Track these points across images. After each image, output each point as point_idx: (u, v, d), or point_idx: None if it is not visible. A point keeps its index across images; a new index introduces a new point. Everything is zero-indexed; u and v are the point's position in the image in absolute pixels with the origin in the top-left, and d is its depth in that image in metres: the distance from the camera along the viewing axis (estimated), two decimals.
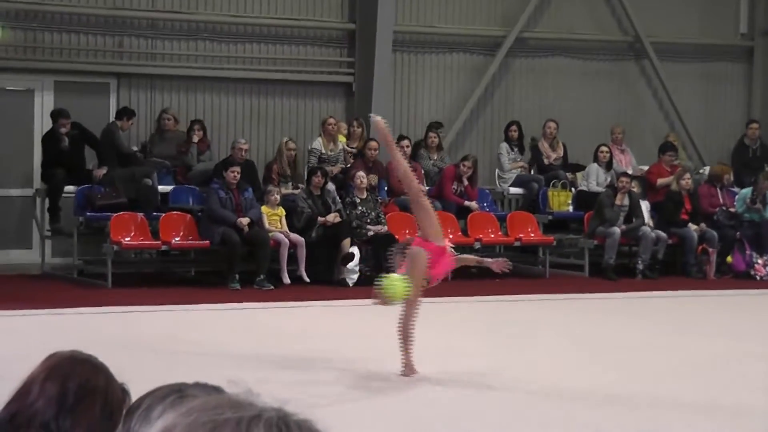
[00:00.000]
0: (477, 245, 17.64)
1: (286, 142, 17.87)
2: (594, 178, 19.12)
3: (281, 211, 16.77)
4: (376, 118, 11.11)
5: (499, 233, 18.01)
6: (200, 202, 17.01)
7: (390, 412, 9.18)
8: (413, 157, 18.41)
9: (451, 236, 17.48)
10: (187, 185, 17.60)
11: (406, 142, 18.37)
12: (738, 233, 18.52)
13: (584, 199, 18.90)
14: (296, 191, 17.31)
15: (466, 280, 17.14)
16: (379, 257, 16.57)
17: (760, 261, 18.24)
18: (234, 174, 16.56)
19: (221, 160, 17.49)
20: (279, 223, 16.68)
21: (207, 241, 16.29)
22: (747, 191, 19.06)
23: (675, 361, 11.32)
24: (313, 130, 18.92)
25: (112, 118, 17.69)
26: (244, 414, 1.49)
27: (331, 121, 18.38)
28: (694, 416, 9.04)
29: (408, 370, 10.26)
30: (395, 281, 10.09)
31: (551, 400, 9.52)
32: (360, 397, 9.63)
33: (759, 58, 22.13)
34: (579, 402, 9.45)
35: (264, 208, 16.67)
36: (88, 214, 16.65)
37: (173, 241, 16.34)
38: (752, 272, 18.19)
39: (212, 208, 16.34)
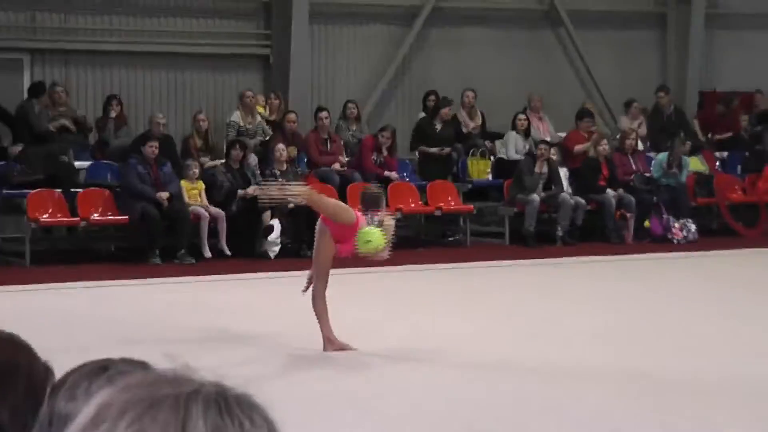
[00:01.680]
0: (398, 215, 17.65)
1: (197, 114, 17.83)
2: (512, 147, 19.23)
3: (201, 185, 16.70)
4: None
5: (420, 203, 18.07)
6: (118, 177, 16.88)
7: (321, 387, 9.19)
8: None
9: None
10: (104, 161, 17.46)
11: (324, 114, 18.36)
12: (655, 198, 18.76)
13: (503, 168, 19.02)
14: (215, 165, 17.25)
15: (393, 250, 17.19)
16: (300, 229, 16.59)
17: (676, 225, 18.49)
18: (152, 149, 16.45)
19: (139, 135, 17.36)
20: (199, 197, 16.62)
21: (126, 217, 16.18)
22: (663, 156, 19.31)
23: (599, 328, 11.44)
24: (231, 104, 18.83)
25: (26, 94, 17.48)
26: (183, 390, 1.48)
27: (249, 94, 18.32)
28: (615, 383, 9.15)
29: (329, 345, 10.08)
30: (372, 233, 10.03)
31: (477, 371, 9.59)
32: (286, 372, 9.63)
33: (672, 25, 22.35)
34: (501, 372, 9.53)
35: (183, 183, 16.58)
36: (5, 191, 16.46)
37: (92, 218, 16.22)
38: (669, 236, 18.44)
39: (131, 183, 16.23)
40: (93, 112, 18.17)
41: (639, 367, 9.50)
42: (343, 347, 10.06)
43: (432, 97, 19.63)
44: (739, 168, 20.76)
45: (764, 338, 10.90)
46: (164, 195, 16.13)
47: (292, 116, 18.30)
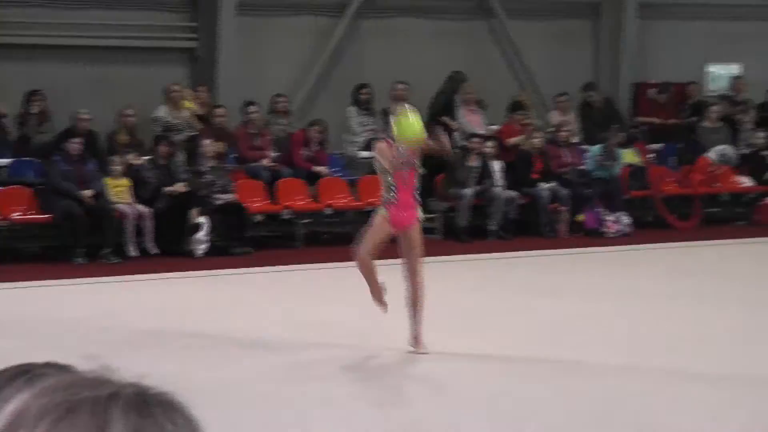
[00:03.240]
0: (328, 211, 17.81)
1: (123, 110, 17.81)
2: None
3: (126, 182, 16.71)
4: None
5: (350, 198, 18.18)
6: (41, 175, 16.85)
7: (262, 388, 9.31)
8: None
9: (301, 202, 17.70)
10: (26, 158, 17.40)
11: (253, 108, 18.43)
12: (589, 191, 19.00)
13: (436, 161, 19.14)
14: (141, 161, 17.26)
15: (322, 247, 17.32)
16: (228, 226, 16.67)
17: (610, 218, 18.75)
18: (76, 145, 16.46)
19: (62, 132, 17.33)
20: (124, 195, 16.63)
21: (49, 215, 16.17)
22: (597, 149, 19.56)
23: (535, 323, 11.64)
24: (157, 98, 18.81)
25: None
26: (102, 393, 1.45)
27: (175, 88, 18.32)
28: (556, 375, 9.35)
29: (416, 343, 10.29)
30: (411, 120, 10.13)
31: (412, 367, 9.76)
32: (216, 370, 9.74)
33: (605, 15, 22.60)
34: (432, 363, 9.71)
35: (108, 180, 16.59)
36: None
37: (14, 216, 16.19)
38: (603, 229, 18.69)
39: (54, 180, 16.22)
40: (14, 108, 18.08)
41: (562, 357, 9.71)
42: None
43: (364, 90, 19.71)
44: (673, 160, 21.06)
45: (684, 331, 11.16)
46: (88, 193, 16.14)
47: (220, 110, 18.36)
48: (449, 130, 18.62)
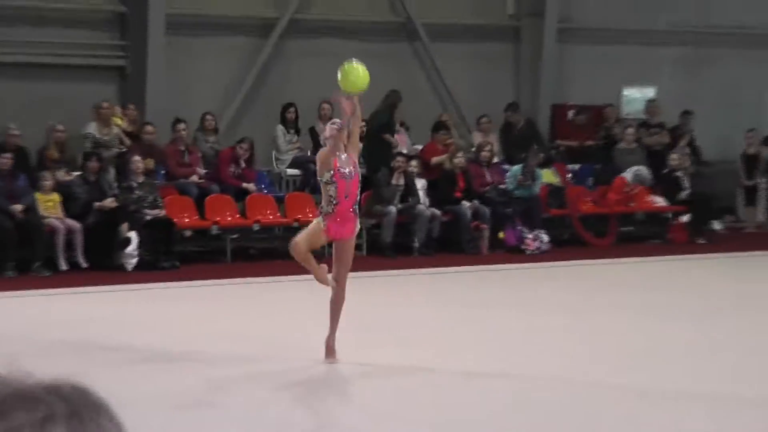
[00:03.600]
0: (256, 227, 17.91)
1: (54, 126, 17.80)
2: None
3: (56, 197, 16.72)
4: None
5: (278, 214, 18.27)
6: None
7: (180, 398, 9.39)
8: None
9: (229, 218, 17.77)
10: None
11: (182, 125, 18.50)
12: (509, 209, 19.25)
13: (362, 179, 19.30)
14: (71, 177, 17.26)
15: (250, 262, 17.40)
16: (157, 241, 16.71)
17: (530, 236, 19.01)
18: (6, 161, 16.46)
19: None
20: (54, 209, 16.62)
21: None
22: (517, 169, 19.82)
23: (461, 335, 11.82)
24: (87, 115, 18.80)
25: None
26: (36, 416, 1.46)
27: (105, 105, 18.35)
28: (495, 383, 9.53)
29: (330, 352, 10.32)
30: (356, 67, 10.08)
31: (336, 382, 9.90)
32: (148, 378, 9.82)
33: (525, 38, 22.90)
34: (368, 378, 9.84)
35: (38, 195, 16.59)
36: None
37: None
38: (522, 246, 18.94)
39: None
40: None
41: (485, 367, 9.91)
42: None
43: (290, 109, 19.81)
44: (590, 180, 21.38)
45: (600, 345, 11.41)
46: (18, 207, 16.13)
47: (149, 128, 18.42)
48: (389, 148, 18.88)
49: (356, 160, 10.33)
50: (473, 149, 20.48)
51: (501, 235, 19.08)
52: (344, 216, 10.04)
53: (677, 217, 20.81)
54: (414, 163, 19.07)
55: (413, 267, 17.29)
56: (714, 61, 23.84)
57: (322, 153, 10.27)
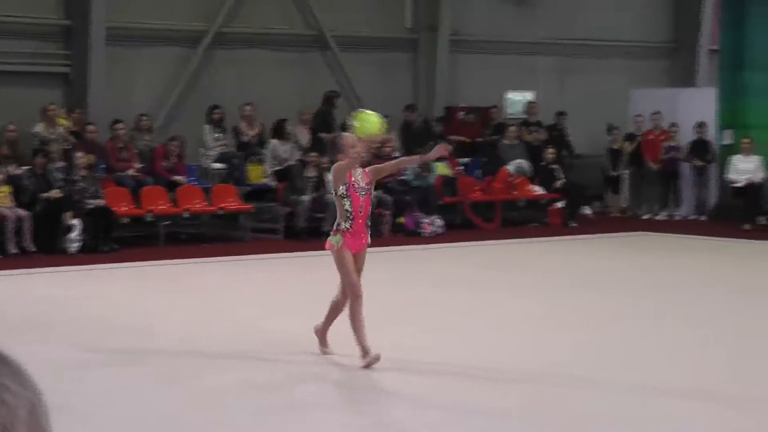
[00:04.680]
0: (186, 214, 17.70)
1: (6, 126, 17.47)
2: (281, 153, 19.39)
3: (7, 188, 16.37)
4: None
5: (205, 203, 18.09)
6: None
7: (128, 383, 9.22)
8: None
9: (162, 207, 17.54)
10: None
11: (120, 125, 18.23)
12: (408, 197, 19.23)
13: (279, 172, 19.18)
14: (21, 171, 16.93)
15: (180, 246, 17.20)
16: (98, 227, 16.46)
17: (426, 220, 19.01)
18: None
19: None
20: (5, 200, 16.28)
21: None
22: None
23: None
24: (36, 116, 18.45)
25: None
26: None
27: (51, 107, 18.04)
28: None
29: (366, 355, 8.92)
30: (369, 116, 9.00)
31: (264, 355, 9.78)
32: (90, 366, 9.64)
33: (422, 49, 22.90)
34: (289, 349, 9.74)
35: None
36: None
37: None
38: (420, 230, 18.93)
39: None
40: None
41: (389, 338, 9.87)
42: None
43: (217, 110, 19.62)
44: (478, 171, 21.43)
45: (503, 315, 11.42)
46: None
47: (91, 127, 18.15)
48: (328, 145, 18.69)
49: (373, 181, 9.09)
50: (376, 145, 20.35)
51: (401, 220, 19.05)
52: (360, 230, 8.94)
53: (553, 204, 20.94)
54: (325, 158, 18.92)
55: (324, 249, 17.13)
56: (582, 69, 24.13)
57: (338, 166, 8.95)
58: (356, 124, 8.89)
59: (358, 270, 9.01)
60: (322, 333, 9.42)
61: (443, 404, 7.99)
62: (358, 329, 8.90)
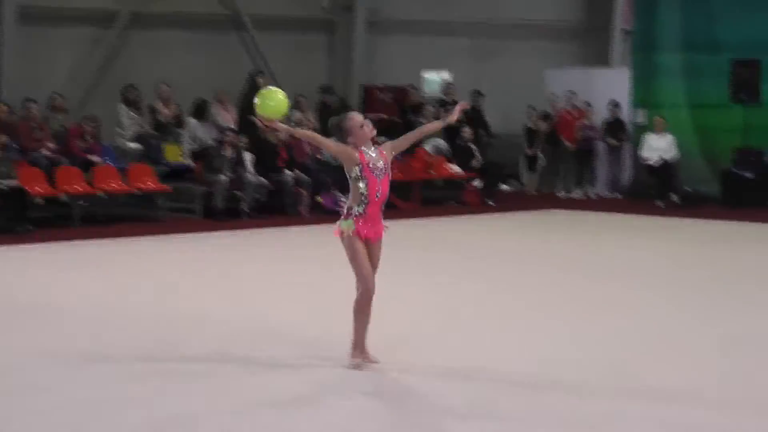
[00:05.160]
0: (101, 195, 17.49)
1: None
2: (200, 133, 19.28)
3: None
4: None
5: (121, 183, 17.90)
6: None
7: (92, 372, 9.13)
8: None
9: (77, 187, 17.32)
10: None
11: (33, 105, 17.96)
12: (326, 177, 19.22)
13: (198, 151, 19.06)
14: None
15: (96, 226, 17.02)
16: (12, 208, 16.22)
17: (344, 199, 18.93)
18: None
19: None
20: None
21: None
22: None
23: (288, 285, 11.75)
24: None
25: None
26: None
27: None
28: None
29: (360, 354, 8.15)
30: (274, 93, 8.01)
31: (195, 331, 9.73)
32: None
33: (338, 30, 22.90)
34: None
35: None
36: None
37: None
38: (338, 209, 18.86)
39: None
40: None
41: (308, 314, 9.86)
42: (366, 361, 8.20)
43: (133, 90, 19.40)
44: None
45: (428, 295, 11.48)
46: None
47: (2, 107, 17.84)
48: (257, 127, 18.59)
49: (389, 159, 8.16)
50: (293, 125, 20.32)
51: (319, 199, 19.05)
52: (374, 217, 8.00)
53: (471, 182, 21.08)
54: (243, 138, 18.86)
55: (242, 228, 17.14)
56: (499, 49, 24.26)
57: (343, 149, 8.04)
58: (258, 101, 8.04)
59: (373, 265, 8.07)
60: (360, 346, 8.18)
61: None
62: (359, 327, 8.12)
